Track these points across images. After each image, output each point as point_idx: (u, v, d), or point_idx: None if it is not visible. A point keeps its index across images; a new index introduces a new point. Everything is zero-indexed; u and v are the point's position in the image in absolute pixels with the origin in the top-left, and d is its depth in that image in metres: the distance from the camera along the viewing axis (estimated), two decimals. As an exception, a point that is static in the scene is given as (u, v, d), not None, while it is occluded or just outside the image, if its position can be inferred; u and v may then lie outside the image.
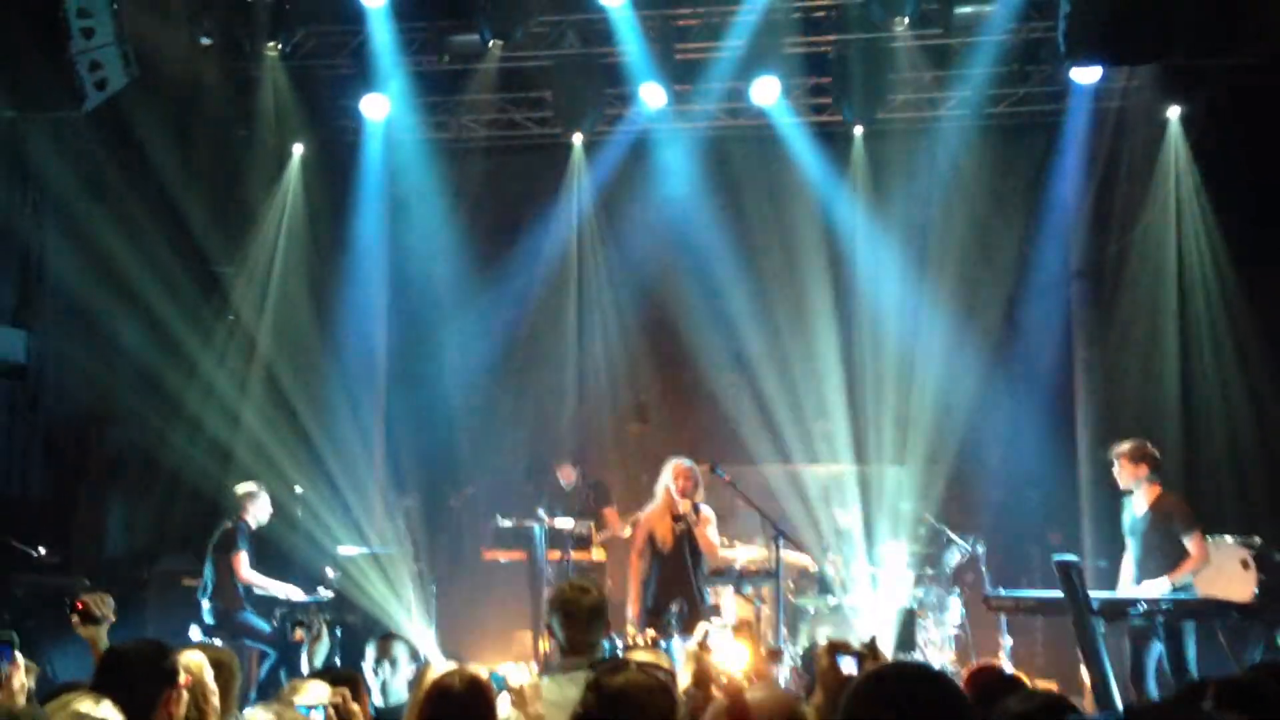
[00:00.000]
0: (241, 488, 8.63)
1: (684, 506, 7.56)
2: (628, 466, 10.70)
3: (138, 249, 9.31)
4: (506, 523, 9.63)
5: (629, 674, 3.03)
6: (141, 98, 8.75)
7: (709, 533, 7.67)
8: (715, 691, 4.34)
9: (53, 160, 9.03)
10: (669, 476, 7.68)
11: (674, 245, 10.62)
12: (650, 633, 6.88)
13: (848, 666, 3.17)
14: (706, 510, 7.74)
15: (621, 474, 10.40)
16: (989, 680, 4.12)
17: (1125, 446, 7.56)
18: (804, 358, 10.63)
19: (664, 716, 2.97)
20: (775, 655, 6.52)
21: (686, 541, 7.59)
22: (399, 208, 10.90)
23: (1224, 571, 7.48)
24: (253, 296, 10.49)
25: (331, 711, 3.41)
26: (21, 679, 3.69)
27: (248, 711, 3.36)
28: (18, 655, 3.68)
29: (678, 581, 7.49)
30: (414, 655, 5.82)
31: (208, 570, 8.46)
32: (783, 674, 7.04)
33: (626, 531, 9.29)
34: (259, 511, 8.63)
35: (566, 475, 9.97)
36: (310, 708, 3.36)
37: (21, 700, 3.64)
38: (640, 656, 3.75)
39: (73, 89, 7.96)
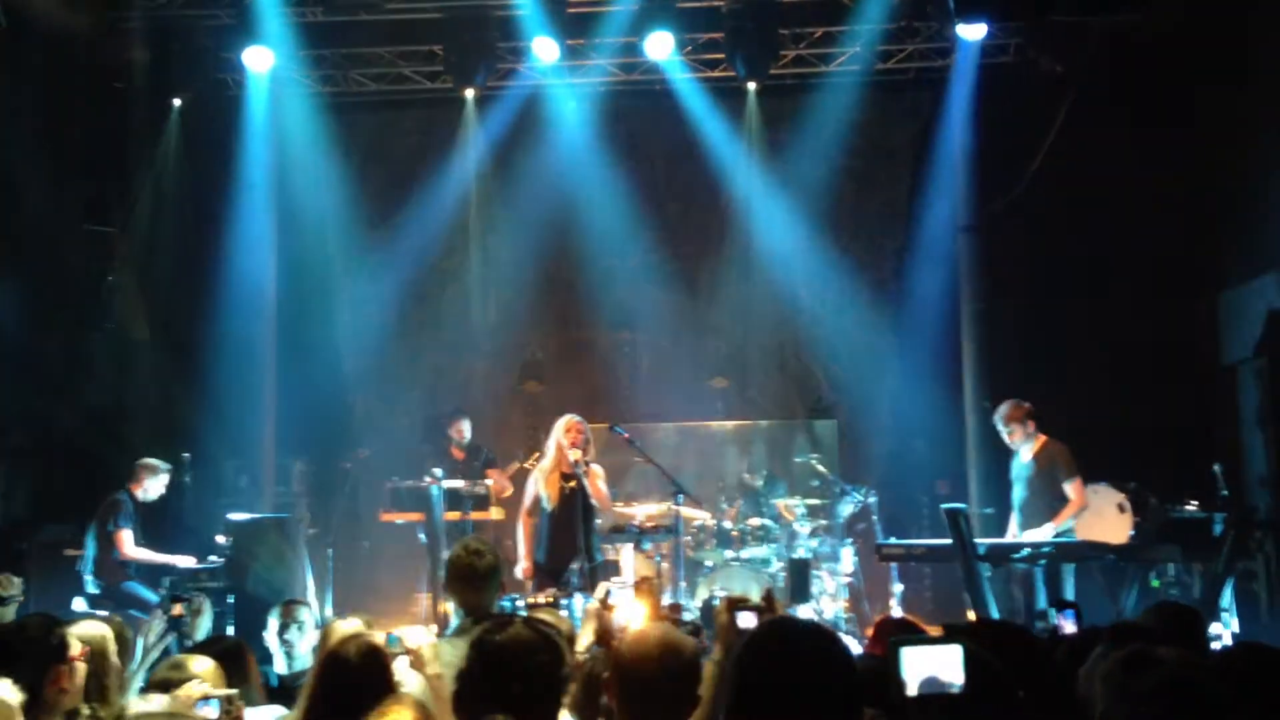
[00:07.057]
0: (145, 460, 8.40)
1: (575, 456, 7.37)
2: (524, 425, 10.65)
3: (11, 207, 8.91)
4: (405, 484, 9.51)
5: (513, 630, 2.96)
6: (11, 49, 8.33)
7: (600, 485, 7.58)
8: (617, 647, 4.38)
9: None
10: (560, 431, 7.55)
11: (569, 201, 10.54)
12: (551, 592, 6.87)
13: (746, 621, 3.22)
14: (596, 466, 7.62)
15: (518, 433, 10.35)
16: (893, 628, 4.65)
17: (1005, 410, 7.80)
18: (700, 313, 10.70)
19: (549, 672, 2.91)
20: (675, 610, 6.59)
21: (579, 498, 7.41)
22: (286, 164, 10.59)
23: (1101, 515, 7.79)
24: (134, 256, 10.13)
25: (226, 707, 3.26)
26: None
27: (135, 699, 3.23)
28: None
29: (568, 540, 7.34)
30: (318, 621, 5.75)
31: (89, 544, 8.20)
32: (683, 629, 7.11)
33: (509, 491, 9.25)
34: (152, 487, 8.40)
35: (459, 432, 9.85)
36: (205, 700, 3.23)
37: None
38: (541, 616, 3.74)
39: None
